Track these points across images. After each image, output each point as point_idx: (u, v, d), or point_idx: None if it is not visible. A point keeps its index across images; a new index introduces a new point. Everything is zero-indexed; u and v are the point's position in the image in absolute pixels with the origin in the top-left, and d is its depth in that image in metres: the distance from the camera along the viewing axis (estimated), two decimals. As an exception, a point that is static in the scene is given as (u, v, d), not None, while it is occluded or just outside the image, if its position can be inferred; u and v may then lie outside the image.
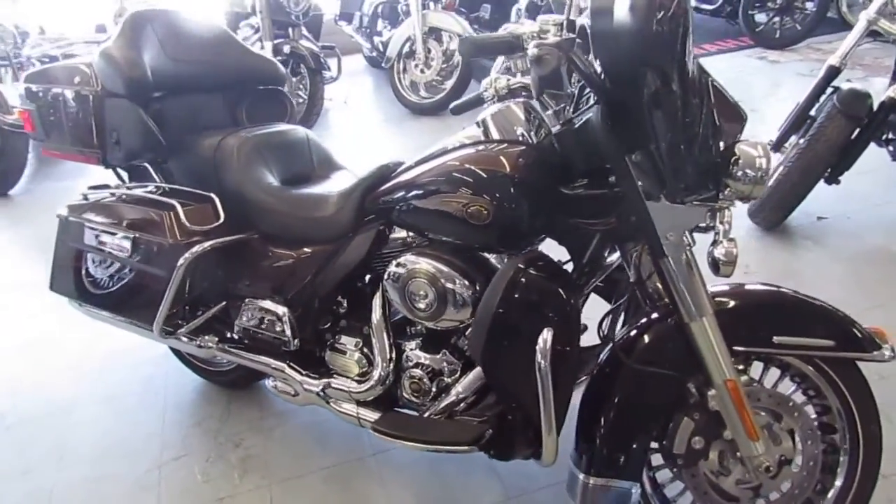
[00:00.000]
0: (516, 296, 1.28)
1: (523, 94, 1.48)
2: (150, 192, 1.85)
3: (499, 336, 1.31)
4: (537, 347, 1.25)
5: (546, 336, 1.25)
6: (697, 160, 1.18)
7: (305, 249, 1.75)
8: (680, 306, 1.29)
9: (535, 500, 1.73)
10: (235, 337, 1.86)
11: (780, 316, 1.37)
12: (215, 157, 1.82)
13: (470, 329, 1.43)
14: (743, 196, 1.21)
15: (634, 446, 1.38)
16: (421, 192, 1.48)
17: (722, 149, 1.21)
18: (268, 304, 1.76)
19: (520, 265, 1.31)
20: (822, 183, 2.67)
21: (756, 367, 1.43)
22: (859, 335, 1.35)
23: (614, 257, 1.56)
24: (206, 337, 1.90)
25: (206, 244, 1.71)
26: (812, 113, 2.67)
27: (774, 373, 1.44)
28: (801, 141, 2.59)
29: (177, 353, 2.29)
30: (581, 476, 1.38)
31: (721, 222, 1.23)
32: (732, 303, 1.38)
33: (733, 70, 5.38)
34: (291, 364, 1.78)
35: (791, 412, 1.39)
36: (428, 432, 1.52)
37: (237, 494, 1.86)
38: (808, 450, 1.40)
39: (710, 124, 1.19)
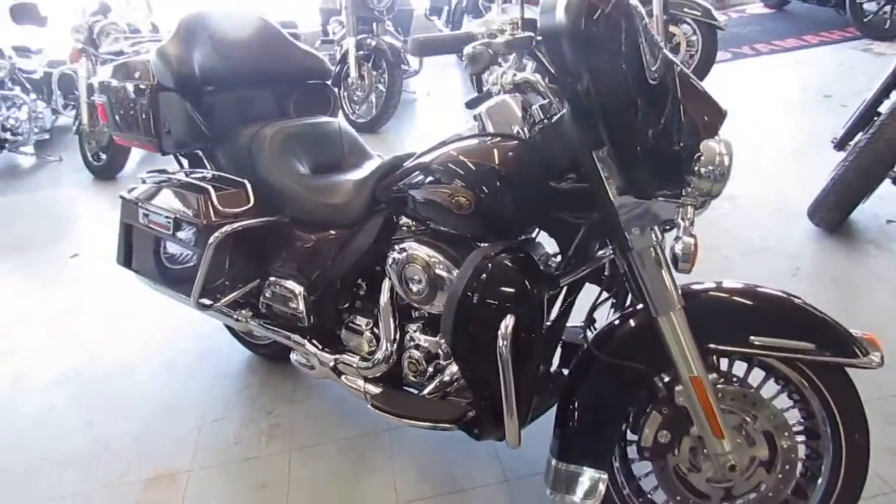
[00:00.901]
0: (480, 282, 1.34)
1: (528, 88, 1.53)
2: (194, 177, 2.04)
3: (464, 320, 1.37)
4: (499, 333, 1.31)
5: (508, 323, 1.31)
6: (656, 157, 1.19)
7: (324, 234, 1.88)
8: (648, 300, 1.31)
9: (531, 484, 1.78)
10: (263, 312, 2.02)
11: (759, 316, 1.35)
12: (251, 147, 1.98)
13: None
14: (704, 194, 1.21)
15: (603, 436, 1.41)
16: (416, 182, 1.57)
17: (687, 145, 1.21)
18: (288, 282, 1.91)
19: (488, 253, 1.37)
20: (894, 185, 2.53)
21: (741, 367, 1.42)
22: (844, 340, 1.31)
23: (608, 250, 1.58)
24: (242, 311, 2.08)
25: (235, 225, 1.87)
26: (880, 110, 2.52)
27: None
28: (863, 139, 2.45)
29: (228, 326, 2.50)
30: (553, 461, 1.42)
31: (683, 218, 1.23)
32: (710, 300, 1.38)
33: (833, 63, 5.07)
34: (311, 339, 1.92)
35: (767, 414, 1.37)
36: (415, 410, 1.61)
37: (262, 457, 2.03)
38: (784, 453, 1.37)
39: (673, 121, 1.19)
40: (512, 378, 1.32)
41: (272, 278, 1.95)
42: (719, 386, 1.37)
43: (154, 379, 2.49)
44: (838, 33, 5.75)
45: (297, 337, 1.94)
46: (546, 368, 1.62)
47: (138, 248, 2.20)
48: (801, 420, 1.42)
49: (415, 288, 1.60)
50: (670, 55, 1.24)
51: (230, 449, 2.08)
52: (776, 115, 4.18)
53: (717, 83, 4.54)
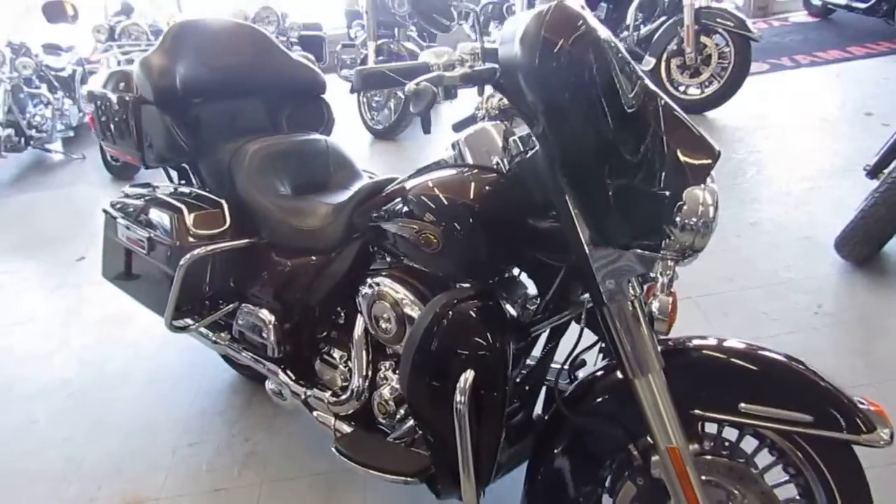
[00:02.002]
0: (439, 331, 1.23)
1: (514, 114, 1.41)
2: (172, 194, 1.96)
3: (420, 371, 1.25)
4: (457, 387, 1.19)
5: (467, 377, 1.19)
6: (630, 205, 1.06)
7: (301, 259, 1.77)
8: (623, 360, 1.17)
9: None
10: (236, 338, 1.93)
11: (752, 381, 1.21)
12: (231, 164, 1.89)
13: None
14: (686, 247, 1.07)
15: (572, 502, 1.28)
16: (388, 212, 1.46)
17: (670, 193, 1.08)
18: (260, 311, 1.81)
19: (451, 299, 1.25)
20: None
21: (732, 434, 1.28)
22: (848, 413, 1.16)
23: None
24: (221, 334, 2.00)
25: (207, 248, 1.78)
26: (918, 137, 2.33)
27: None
28: (894, 171, 2.26)
29: (214, 343, 2.42)
30: (523, 526, 1.30)
31: (662, 273, 1.09)
32: (697, 360, 1.24)
33: (877, 77, 4.80)
34: (285, 369, 1.83)
35: (756, 490, 1.22)
36: (376, 458, 1.50)
37: (232, 488, 1.94)
38: (772, 533, 1.23)
39: (653, 165, 1.06)
40: (469, 436, 1.20)
41: (245, 305, 1.86)
42: (705, 457, 1.23)
43: (138, 393, 2.42)
44: (886, 45, 5.46)
45: (271, 365, 1.85)
46: (528, 414, 1.50)
47: (118, 262, 2.13)
48: (798, 497, 1.27)
49: (384, 325, 1.49)
50: (653, 88, 1.10)
51: (202, 477, 2.00)
52: (810, 134, 3.95)
53: (748, 97, 4.35)
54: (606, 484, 1.29)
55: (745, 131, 4.08)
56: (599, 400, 1.25)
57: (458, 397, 1.19)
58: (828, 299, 2.39)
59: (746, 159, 3.66)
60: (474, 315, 1.23)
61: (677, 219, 1.05)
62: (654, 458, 1.20)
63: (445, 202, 1.33)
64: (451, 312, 1.23)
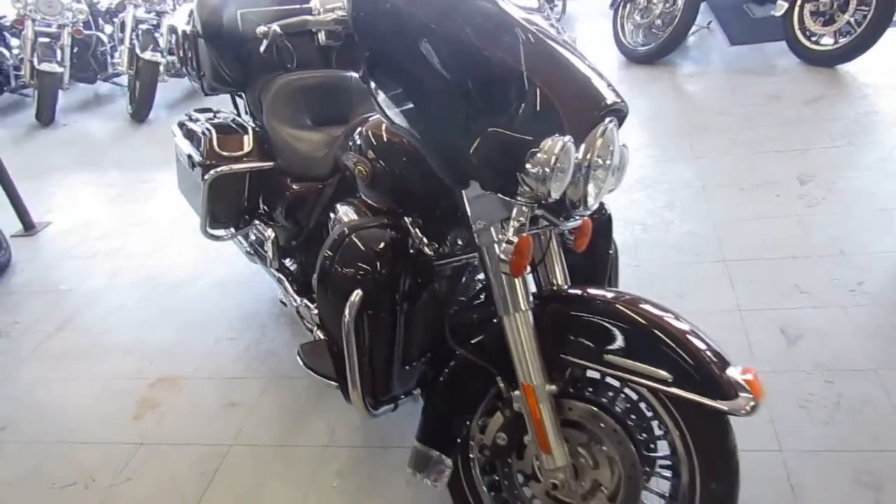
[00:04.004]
0: (336, 252, 1.36)
1: None
2: (211, 119, 2.21)
3: (323, 286, 1.40)
4: (347, 304, 1.33)
5: (354, 297, 1.32)
6: (487, 147, 1.11)
7: (303, 185, 1.96)
8: (495, 297, 1.24)
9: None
10: (250, 251, 2.19)
11: (624, 333, 1.21)
12: (260, 95, 2.10)
13: None
14: (534, 195, 1.10)
15: (452, 426, 1.39)
16: (344, 146, 1.60)
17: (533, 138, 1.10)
18: (264, 227, 2.04)
19: (353, 225, 1.38)
20: None
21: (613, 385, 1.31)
22: (711, 377, 1.14)
23: None
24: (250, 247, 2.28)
25: (225, 167, 2.03)
26: None
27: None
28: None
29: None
30: (415, 441, 1.44)
31: (515, 219, 1.14)
32: (574, 308, 1.27)
33: None
34: (288, 280, 2.06)
35: (614, 440, 1.25)
36: (321, 364, 1.67)
37: (247, 378, 2.24)
38: (625, 484, 1.26)
39: (515, 109, 1.09)
40: (355, 351, 1.34)
41: (256, 222, 2.10)
42: (571, 400, 1.27)
43: (204, 292, 2.81)
44: None
45: (279, 274, 2.09)
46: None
47: (181, 176, 2.46)
48: (669, 454, 1.28)
49: None
50: (542, 33, 1.11)
51: (227, 366, 2.32)
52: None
53: (881, 53, 3.85)
54: (472, 414, 1.38)
55: (872, 88, 3.64)
56: (478, 334, 1.32)
57: (345, 313, 1.33)
58: (872, 278, 2.18)
59: (860, 120, 3.30)
60: (370, 241, 1.35)
61: (528, 165, 1.08)
62: (516, 392, 1.27)
63: (374, 141, 1.45)
64: (351, 235, 1.36)
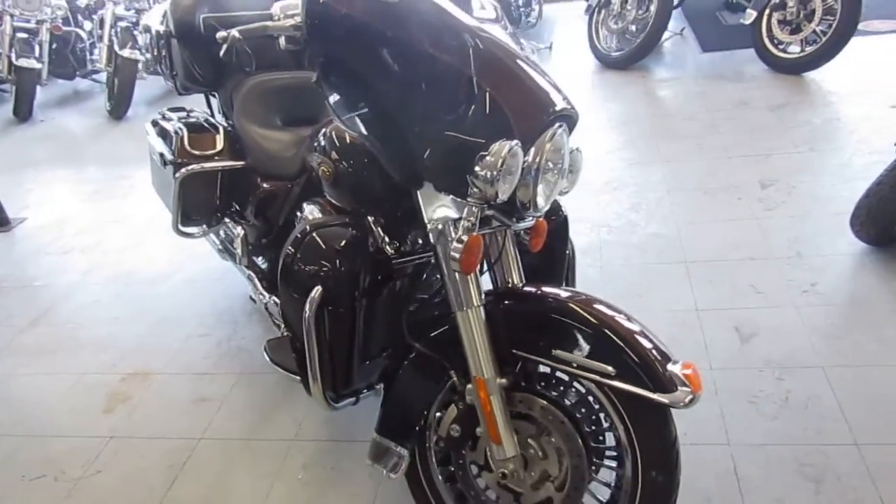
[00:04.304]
0: (298, 249, 1.41)
1: None
2: (183, 118, 2.25)
3: (285, 283, 1.45)
4: (307, 300, 1.37)
5: (314, 294, 1.37)
6: (439, 150, 1.16)
7: (272, 184, 2.01)
8: (449, 293, 1.30)
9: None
10: (221, 248, 2.23)
11: (571, 329, 1.27)
12: (231, 95, 2.14)
13: None
14: (483, 196, 1.15)
15: (409, 419, 1.45)
16: (310, 147, 1.65)
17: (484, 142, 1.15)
18: (234, 225, 2.08)
19: (315, 223, 1.43)
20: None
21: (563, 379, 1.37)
22: (652, 371, 1.20)
23: None
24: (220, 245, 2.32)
25: (196, 166, 2.06)
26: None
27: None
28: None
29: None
30: (374, 433, 1.49)
31: (466, 219, 1.19)
32: (525, 304, 1.33)
33: None
34: (260, 277, 2.10)
35: (563, 432, 1.31)
36: (285, 359, 1.72)
37: (216, 374, 2.28)
38: (572, 474, 1.32)
39: (465, 112, 1.14)
40: (315, 345, 1.39)
41: (226, 220, 2.14)
42: (522, 393, 1.33)
43: (178, 289, 2.85)
44: None
45: (249, 272, 2.13)
46: None
47: (154, 173, 2.49)
48: (614, 446, 1.34)
49: None
50: (490, 40, 1.16)
51: (197, 362, 2.36)
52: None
53: (858, 60, 3.96)
54: (427, 407, 1.43)
55: (836, 96, 3.75)
56: (433, 329, 1.38)
57: (306, 309, 1.38)
58: (826, 279, 2.26)
59: (823, 126, 3.39)
60: (331, 239, 1.40)
61: (476, 168, 1.13)
62: (469, 385, 1.33)
63: (337, 142, 1.50)
64: (313, 233, 1.41)
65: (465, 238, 1.17)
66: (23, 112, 5.78)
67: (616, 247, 2.65)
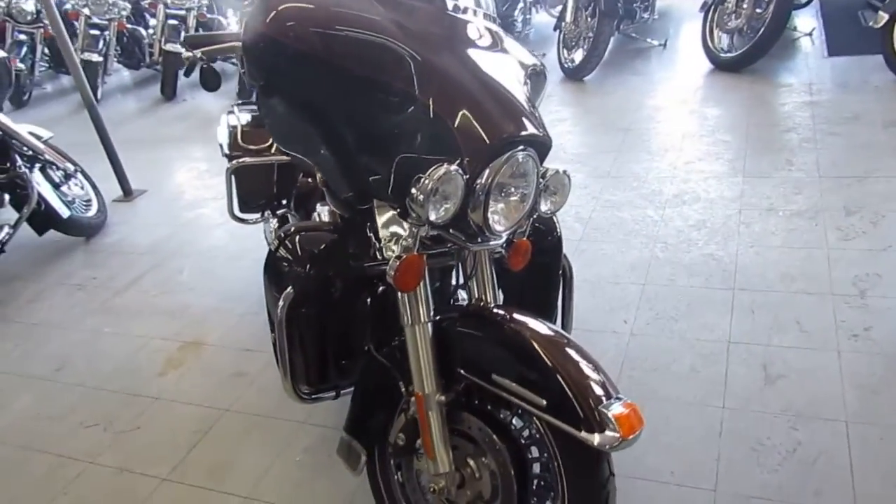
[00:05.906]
0: (277, 251, 1.51)
1: None
2: (246, 112, 2.43)
3: (267, 283, 1.56)
4: (281, 297, 1.48)
5: (286, 295, 1.46)
6: (384, 168, 1.20)
7: (308, 180, 2.14)
8: (401, 309, 1.34)
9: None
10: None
11: (514, 355, 1.27)
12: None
13: None
14: (418, 218, 1.18)
15: (369, 422, 1.52)
16: None
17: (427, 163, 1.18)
18: (271, 214, 2.24)
19: (293, 227, 1.52)
20: None
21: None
22: (585, 407, 1.17)
23: None
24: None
25: (244, 159, 2.24)
26: None
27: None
28: None
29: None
30: (342, 429, 1.58)
31: (405, 238, 1.23)
32: (476, 326, 1.34)
33: None
34: None
35: (496, 454, 1.33)
36: None
37: (259, 350, 2.48)
38: (503, 496, 1.33)
39: (411, 133, 1.16)
40: (285, 343, 1.49)
41: (278, 211, 2.30)
42: (464, 412, 1.36)
43: (250, 269, 3.08)
44: None
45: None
46: None
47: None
48: (546, 475, 1.34)
49: None
50: (466, 54, 1.19)
51: (245, 339, 2.57)
52: None
53: None
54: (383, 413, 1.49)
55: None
56: (392, 340, 1.43)
57: (278, 308, 1.48)
58: (883, 325, 2.04)
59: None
60: (308, 243, 1.48)
61: (413, 190, 1.14)
62: (412, 399, 1.37)
63: None
64: (294, 235, 1.50)
65: (403, 256, 1.20)
66: (167, 92, 6.40)
67: (665, 265, 2.55)
